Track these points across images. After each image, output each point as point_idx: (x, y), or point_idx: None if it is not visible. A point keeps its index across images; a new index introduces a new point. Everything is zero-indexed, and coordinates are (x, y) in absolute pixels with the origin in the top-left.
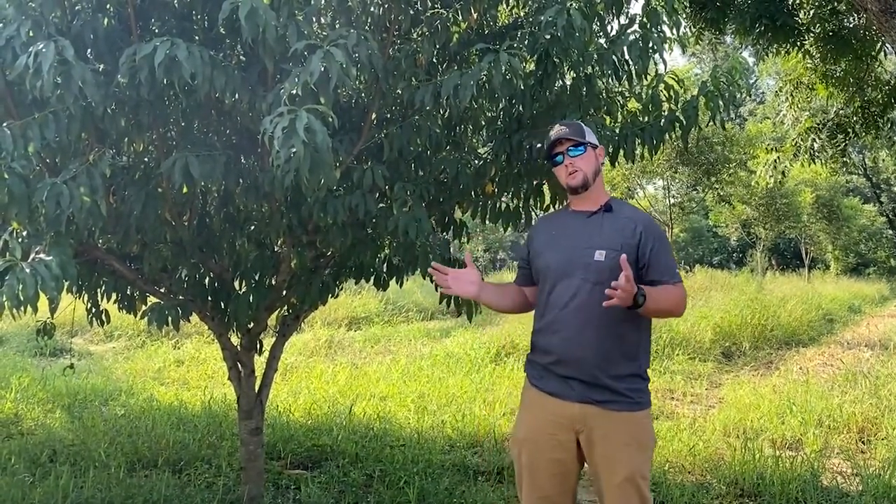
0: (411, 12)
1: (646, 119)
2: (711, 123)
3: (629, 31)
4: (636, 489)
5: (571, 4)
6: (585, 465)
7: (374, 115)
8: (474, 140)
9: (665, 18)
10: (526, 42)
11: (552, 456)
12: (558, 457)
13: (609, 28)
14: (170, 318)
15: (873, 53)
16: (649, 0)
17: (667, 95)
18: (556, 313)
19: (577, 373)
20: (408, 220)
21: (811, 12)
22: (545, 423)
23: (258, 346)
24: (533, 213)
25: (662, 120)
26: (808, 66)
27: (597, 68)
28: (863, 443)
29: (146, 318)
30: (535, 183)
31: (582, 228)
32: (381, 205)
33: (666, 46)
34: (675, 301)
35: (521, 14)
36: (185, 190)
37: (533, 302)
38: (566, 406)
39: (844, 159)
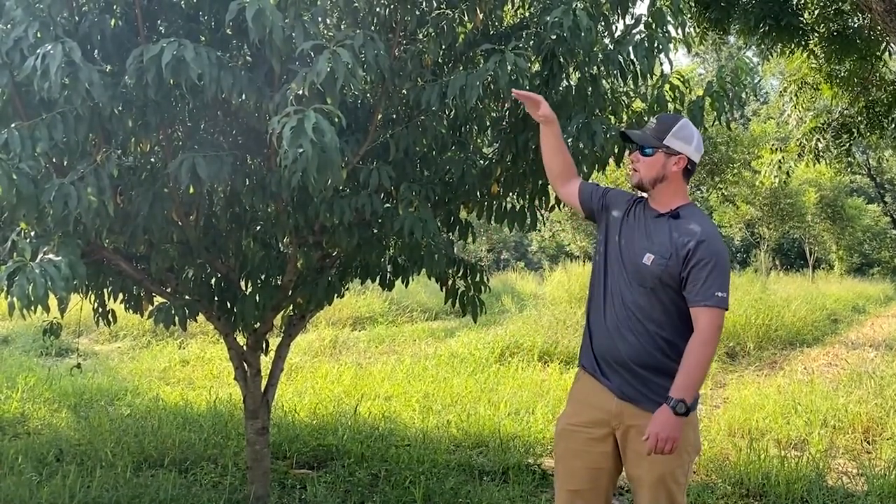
0: (417, 13)
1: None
2: (715, 123)
3: (634, 31)
4: (667, 492)
5: (577, 5)
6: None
7: (380, 116)
8: (480, 140)
9: (670, 19)
10: (531, 42)
11: (586, 449)
12: (595, 451)
13: (614, 28)
14: (176, 318)
15: (878, 53)
16: (654, 0)
17: (672, 96)
18: (602, 307)
19: (614, 361)
20: (413, 220)
21: (815, 12)
22: (585, 416)
23: (264, 345)
24: (538, 214)
25: None
26: (813, 66)
27: (602, 69)
28: (868, 443)
29: (153, 318)
30: (540, 183)
31: (645, 227)
32: (386, 205)
33: (671, 47)
34: (699, 350)
35: (527, 14)
36: (191, 190)
37: (570, 198)
38: (606, 399)
39: (849, 159)
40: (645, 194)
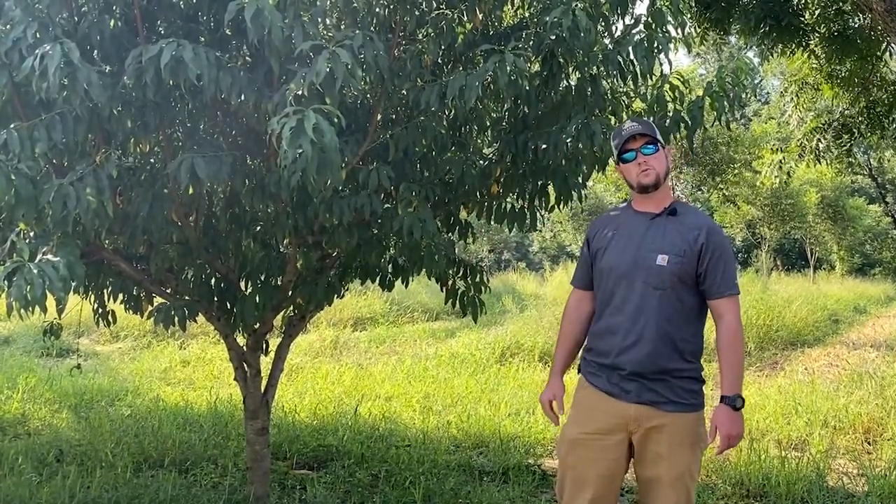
0: (416, 13)
1: (651, 119)
2: (716, 124)
3: (634, 31)
4: (685, 489)
5: (576, 5)
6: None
7: (379, 116)
8: (479, 141)
9: (670, 19)
10: (531, 43)
11: (602, 456)
12: (608, 458)
13: (614, 28)
14: (176, 319)
15: (878, 53)
16: (654, 0)
17: (672, 96)
18: (616, 316)
19: (633, 374)
20: (413, 220)
21: (816, 12)
22: (599, 423)
23: (264, 346)
24: (538, 214)
25: (667, 120)
26: (814, 66)
27: (602, 69)
28: (868, 443)
29: (153, 319)
30: (540, 184)
31: (645, 230)
32: (386, 205)
33: (671, 47)
34: (734, 342)
35: (527, 15)
36: (191, 191)
37: (588, 297)
38: (622, 406)
39: (850, 159)
40: (640, 197)
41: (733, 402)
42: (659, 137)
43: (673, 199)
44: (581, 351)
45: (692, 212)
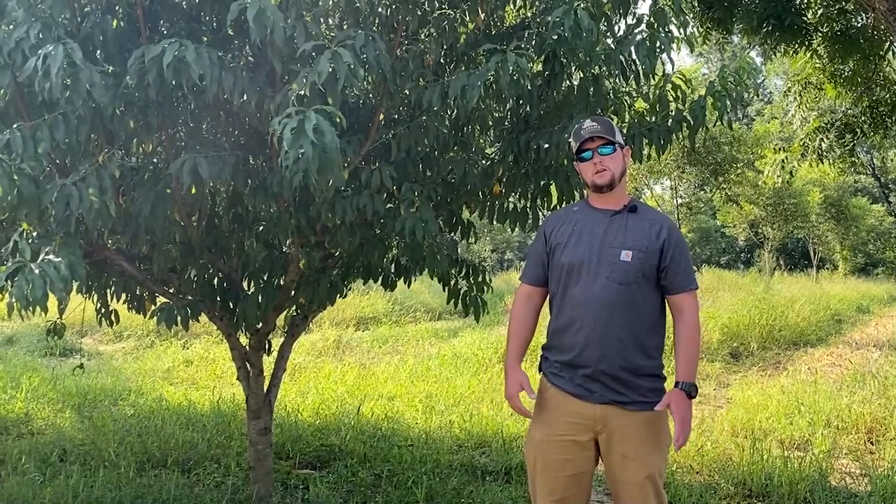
0: (419, 13)
1: (653, 119)
2: (719, 123)
3: (636, 31)
4: (654, 488)
5: (578, 5)
6: (599, 464)
7: (381, 116)
8: (482, 140)
9: (672, 18)
10: (533, 42)
11: (570, 457)
12: (576, 458)
13: (616, 28)
14: (179, 318)
15: (881, 53)
16: (656, 0)
17: (674, 95)
18: (579, 311)
19: (598, 372)
20: (415, 220)
21: (819, 12)
22: (564, 424)
23: (267, 346)
24: (540, 214)
25: (670, 120)
26: (816, 65)
27: (604, 68)
28: (871, 443)
29: (155, 318)
30: (542, 183)
31: (606, 227)
32: (388, 205)
33: (673, 46)
34: (693, 335)
35: (529, 14)
36: (193, 191)
37: (540, 293)
38: (587, 407)
39: (852, 159)
40: (597, 195)
41: (688, 390)
42: (617, 139)
43: (630, 197)
44: (542, 350)
45: (650, 209)
